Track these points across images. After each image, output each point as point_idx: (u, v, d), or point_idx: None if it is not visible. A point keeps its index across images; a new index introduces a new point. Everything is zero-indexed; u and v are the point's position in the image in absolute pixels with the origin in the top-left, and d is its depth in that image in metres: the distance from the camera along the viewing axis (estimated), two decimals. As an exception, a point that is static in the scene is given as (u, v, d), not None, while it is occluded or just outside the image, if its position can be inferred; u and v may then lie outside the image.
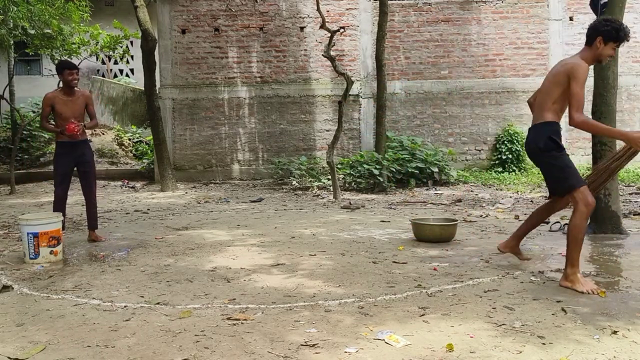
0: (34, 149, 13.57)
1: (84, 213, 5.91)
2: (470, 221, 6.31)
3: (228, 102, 11.61)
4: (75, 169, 5.56)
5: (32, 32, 10.09)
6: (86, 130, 5.56)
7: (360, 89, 11.48)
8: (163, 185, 10.18)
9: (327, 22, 9.72)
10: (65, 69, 5.40)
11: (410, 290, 3.59)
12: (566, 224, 5.60)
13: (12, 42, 10.70)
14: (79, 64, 11.97)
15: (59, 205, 5.50)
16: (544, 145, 3.71)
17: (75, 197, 8.09)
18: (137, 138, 14.70)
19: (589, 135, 8.52)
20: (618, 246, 4.81)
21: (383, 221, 6.47)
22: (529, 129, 3.90)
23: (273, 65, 11.61)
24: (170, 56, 11.54)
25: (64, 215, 5.59)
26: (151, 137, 11.41)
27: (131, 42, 14.84)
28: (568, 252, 3.58)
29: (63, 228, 5.47)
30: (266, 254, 4.80)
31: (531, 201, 7.97)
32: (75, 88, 5.53)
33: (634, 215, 6.35)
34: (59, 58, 10.84)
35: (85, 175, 5.58)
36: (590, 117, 5.60)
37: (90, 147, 5.72)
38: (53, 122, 5.58)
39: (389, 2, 10.29)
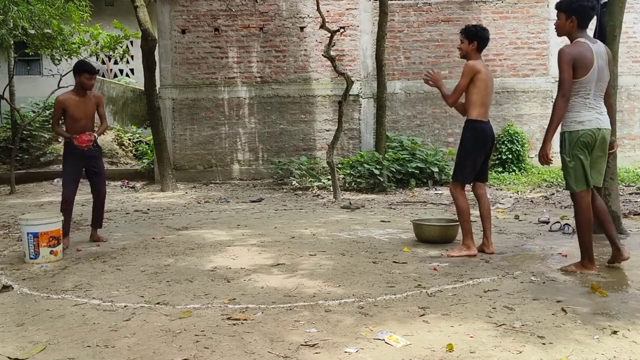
0: (34, 149, 13.57)
1: (84, 213, 5.92)
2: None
3: (228, 102, 11.61)
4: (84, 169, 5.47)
5: (32, 32, 10.09)
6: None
7: (360, 89, 11.48)
8: (163, 185, 10.18)
9: (327, 22, 9.72)
10: (85, 72, 5.31)
11: (410, 290, 3.59)
12: (566, 224, 5.62)
13: (12, 42, 10.70)
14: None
15: (67, 206, 5.38)
16: None
17: (76, 196, 8.08)
18: (137, 138, 14.70)
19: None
20: (618, 246, 4.80)
21: (383, 221, 6.47)
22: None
23: (273, 65, 11.62)
24: (170, 56, 11.54)
25: (70, 219, 5.49)
26: (151, 137, 11.41)
27: (131, 42, 14.83)
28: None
29: (68, 232, 5.39)
30: (266, 254, 4.80)
31: (531, 201, 7.97)
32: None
33: (634, 215, 6.35)
34: (59, 58, 10.85)
35: (95, 176, 5.51)
36: None
37: (99, 146, 5.64)
38: (64, 125, 5.48)
39: (389, 2, 10.29)
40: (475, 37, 4.58)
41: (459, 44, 4.71)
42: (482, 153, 4.64)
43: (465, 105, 4.66)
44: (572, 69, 3.75)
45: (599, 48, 3.86)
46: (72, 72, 5.56)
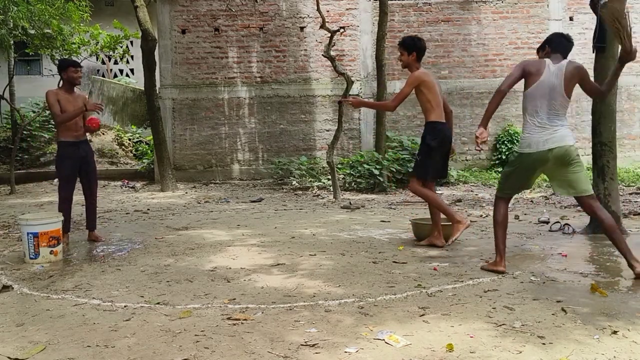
0: (34, 149, 13.57)
1: (84, 213, 5.91)
2: (470, 221, 6.30)
3: (228, 102, 11.61)
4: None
5: (32, 32, 10.09)
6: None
7: (360, 89, 11.48)
8: (163, 185, 10.18)
9: (327, 22, 9.73)
10: (70, 66, 5.39)
11: (410, 290, 3.59)
12: (566, 224, 5.62)
13: (12, 42, 10.70)
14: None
15: (65, 207, 5.43)
16: None
17: (75, 196, 8.08)
18: (137, 138, 14.70)
19: (589, 135, 8.53)
20: (618, 246, 4.80)
21: (383, 221, 6.47)
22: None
23: (273, 65, 11.62)
24: (170, 56, 11.54)
25: (70, 217, 5.56)
26: (151, 137, 11.41)
27: (131, 42, 14.85)
28: None
29: (68, 230, 5.45)
30: (266, 254, 4.80)
31: (531, 201, 7.97)
32: (75, 87, 5.55)
33: (633, 215, 6.35)
34: (59, 58, 10.86)
35: (88, 175, 5.56)
36: (592, 117, 5.62)
37: (91, 147, 5.72)
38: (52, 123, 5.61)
39: (389, 2, 10.30)
40: (414, 49, 4.86)
41: (399, 56, 4.99)
42: (441, 152, 4.88)
43: (423, 111, 4.95)
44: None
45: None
46: (58, 72, 5.63)
